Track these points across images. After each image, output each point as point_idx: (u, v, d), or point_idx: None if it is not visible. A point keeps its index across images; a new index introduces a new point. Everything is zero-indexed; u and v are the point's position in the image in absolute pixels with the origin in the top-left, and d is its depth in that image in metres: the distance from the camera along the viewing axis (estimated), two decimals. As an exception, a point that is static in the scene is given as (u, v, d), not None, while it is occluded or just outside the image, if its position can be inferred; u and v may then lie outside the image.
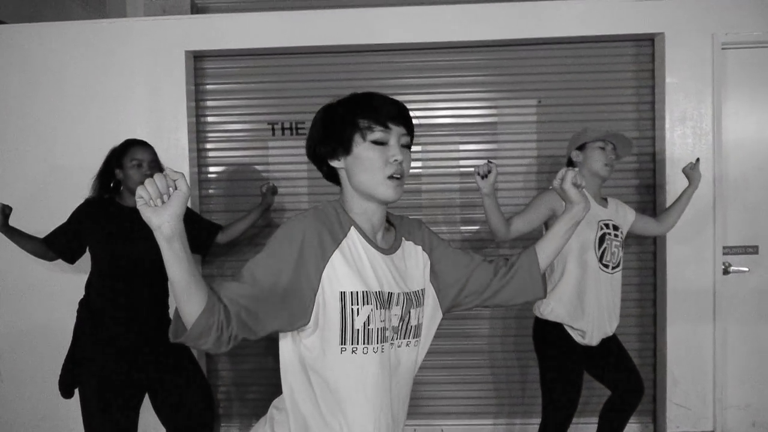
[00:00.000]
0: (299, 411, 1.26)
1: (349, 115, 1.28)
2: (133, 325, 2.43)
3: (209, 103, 3.43)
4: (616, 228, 2.59)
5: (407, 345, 1.31)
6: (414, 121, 1.33)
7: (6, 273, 3.32)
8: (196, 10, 3.76)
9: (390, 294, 1.27)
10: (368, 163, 1.25)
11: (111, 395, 2.38)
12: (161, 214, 0.99)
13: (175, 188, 1.02)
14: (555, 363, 2.57)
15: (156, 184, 1.00)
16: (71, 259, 2.62)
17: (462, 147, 3.38)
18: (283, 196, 3.38)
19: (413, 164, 3.37)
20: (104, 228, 2.47)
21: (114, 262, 2.44)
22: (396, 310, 1.27)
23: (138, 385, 2.46)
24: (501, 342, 3.47)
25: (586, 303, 2.50)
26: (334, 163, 1.32)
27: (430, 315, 1.38)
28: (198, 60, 3.39)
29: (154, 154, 2.52)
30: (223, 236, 2.86)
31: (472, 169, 2.58)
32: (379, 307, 1.22)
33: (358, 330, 1.20)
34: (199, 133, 3.43)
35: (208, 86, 3.42)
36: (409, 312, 1.30)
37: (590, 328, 2.50)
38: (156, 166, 2.50)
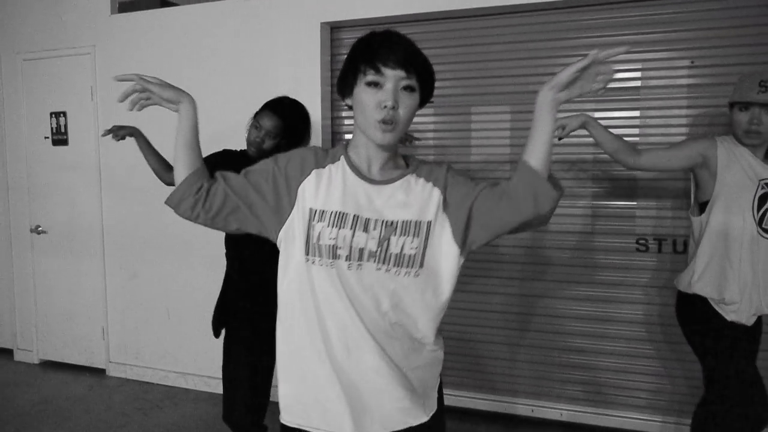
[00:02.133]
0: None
1: (351, 56, 1.37)
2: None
3: (345, 74, 3.55)
4: None
5: (387, 272, 1.34)
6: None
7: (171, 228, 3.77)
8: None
9: (366, 219, 1.35)
10: (361, 105, 1.33)
11: (239, 344, 2.54)
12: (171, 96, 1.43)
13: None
14: (703, 337, 2.35)
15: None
16: None
17: (597, 114, 3.08)
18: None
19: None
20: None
21: None
22: (374, 234, 1.34)
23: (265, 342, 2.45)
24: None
25: (733, 271, 2.21)
26: (347, 101, 1.42)
27: (440, 250, 1.37)
28: (335, 31, 3.53)
29: (278, 123, 2.53)
30: None
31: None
32: (333, 225, 1.33)
33: (313, 244, 1.34)
34: (333, 101, 3.58)
35: (344, 57, 3.52)
36: (388, 239, 1.34)
37: (740, 300, 2.21)
38: (275, 135, 2.52)
